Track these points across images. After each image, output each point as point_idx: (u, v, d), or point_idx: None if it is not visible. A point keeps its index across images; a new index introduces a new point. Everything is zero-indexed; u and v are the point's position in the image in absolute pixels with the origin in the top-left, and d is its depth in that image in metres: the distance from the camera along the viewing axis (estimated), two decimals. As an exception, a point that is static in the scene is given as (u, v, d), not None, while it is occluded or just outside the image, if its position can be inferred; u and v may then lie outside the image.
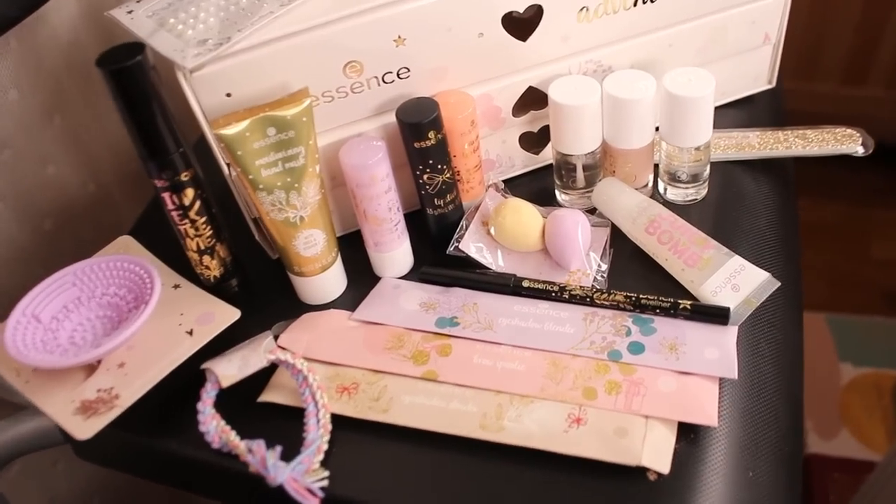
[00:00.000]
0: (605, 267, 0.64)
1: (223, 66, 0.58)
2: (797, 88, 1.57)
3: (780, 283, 0.60)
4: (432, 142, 0.60)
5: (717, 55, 0.72)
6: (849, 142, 0.71)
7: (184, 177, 0.59)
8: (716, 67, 0.72)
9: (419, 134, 0.60)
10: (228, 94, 0.59)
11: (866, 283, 1.52)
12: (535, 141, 0.72)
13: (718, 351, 0.56)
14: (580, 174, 0.67)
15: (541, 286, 0.62)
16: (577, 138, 0.64)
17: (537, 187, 0.72)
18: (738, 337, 0.58)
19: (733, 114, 0.77)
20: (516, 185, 0.72)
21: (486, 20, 0.62)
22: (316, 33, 0.58)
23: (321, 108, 0.62)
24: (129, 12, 0.63)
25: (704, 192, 0.69)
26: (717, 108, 0.68)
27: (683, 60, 0.70)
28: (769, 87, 0.78)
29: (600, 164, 0.67)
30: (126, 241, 0.69)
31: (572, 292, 0.61)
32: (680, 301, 0.59)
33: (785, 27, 0.73)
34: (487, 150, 0.70)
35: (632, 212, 0.64)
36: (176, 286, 0.65)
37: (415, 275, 0.66)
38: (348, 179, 0.61)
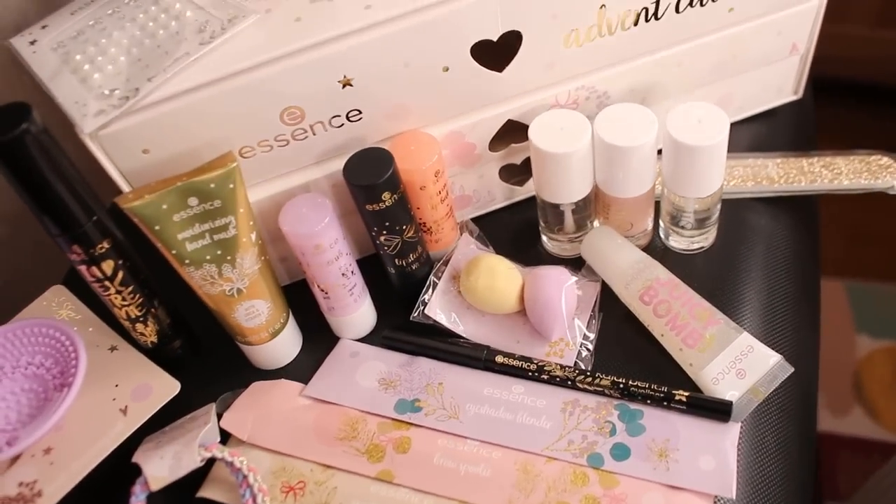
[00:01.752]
0: (592, 336, 0.54)
1: (134, 121, 0.47)
2: (827, 31, 1.40)
3: (793, 370, 0.50)
4: (387, 203, 0.50)
5: (735, 71, 0.58)
6: (884, 174, 0.58)
7: (100, 249, 0.49)
8: (732, 81, 0.59)
9: (371, 197, 0.49)
10: (146, 151, 0.49)
11: (886, 238, 1.39)
12: (517, 172, 0.60)
13: (715, 460, 0.47)
14: (569, 220, 0.56)
15: (516, 363, 0.52)
16: (563, 188, 0.53)
17: (520, 222, 0.61)
18: (740, 429, 0.48)
19: (751, 130, 0.64)
20: (495, 221, 0.61)
21: (452, 52, 0.49)
22: (241, 80, 0.47)
23: (258, 159, 0.51)
24: (32, 43, 0.52)
25: (712, 238, 0.57)
26: (731, 125, 0.57)
27: (694, 80, 0.57)
28: (795, 98, 0.64)
29: (592, 207, 0.56)
30: (58, 293, 0.59)
31: (552, 373, 0.51)
32: (675, 391, 0.49)
33: (816, 35, 0.59)
34: (462, 186, 0.59)
35: (625, 273, 0.53)
36: (113, 348, 0.57)
37: (377, 336, 0.57)
38: (291, 246, 0.51)
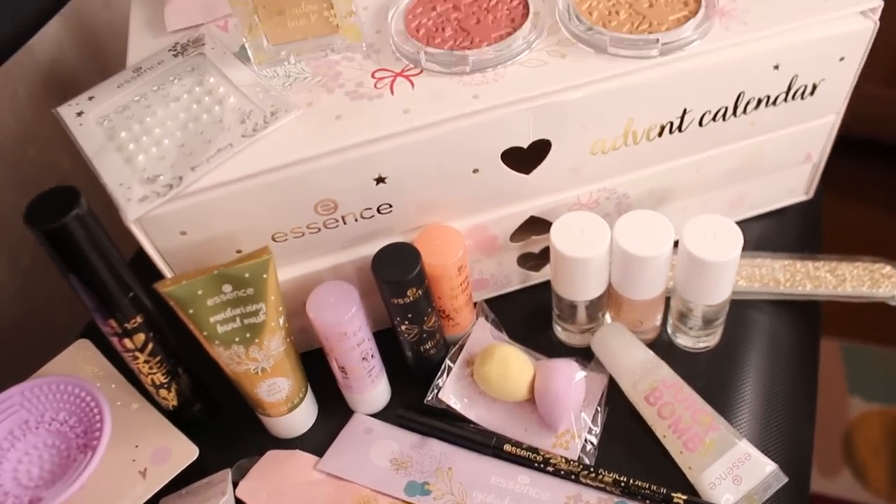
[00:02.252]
0: (596, 430, 0.56)
1: (175, 207, 0.49)
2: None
3: (787, 479, 0.52)
4: (412, 298, 0.52)
5: (750, 176, 0.61)
6: (886, 284, 0.61)
7: (133, 323, 0.52)
8: (746, 184, 0.62)
9: (397, 292, 0.52)
10: (183, 233, 0.51)
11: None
12: (534, 258, 0.63)
13: (709, 568, 0.50)
14: (581, 314, 0.59)
15: (523, 453, 0.55)
16: (580, 287, 0.56)
17: (534, 306, 0.64)
18: (734, 535, 0.51)
19: (761, 226, 0.67)
20: (510, 302, 0.64)
21: (484, 156, 0.52)
22: (280, 174, 0.49)
23: (289, 243, 0.54)
24: (79, 114, 0.54)
25: (717, 338, 0.60)
26: (741, 221, 0.60)
27: (711, 184, 0.61)
28: (805, 198, 0.67)
29: (605, 302, 0.59)
30: (83, 348, 0.62)
31: (557, 466, 0.54)
32: (673, 494, 0.52)
33: (830, 145, 0.62)
34: (481, 270, 0.62)
35: (633, 373, 0.56)
36: (134, 407, 0.59)
37: (390, 412, 0.59)
38: (316, 330, 0.53)
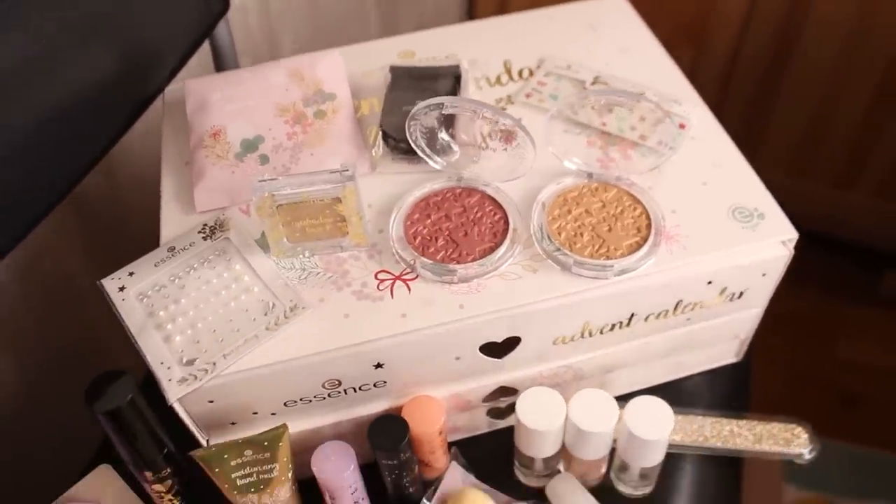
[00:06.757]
0: (547, 565, 0.73)
1: (206, 384, 0.64)
2: (787, 185, 1.63)
3: None
4: (400, 460, 0.68)
5: (686, 350, 0.79)
6: (795, 443, 0.79)
7: (164, 473, 0.67)
8: (682, 355, 0.79)
9: (389, 455, 0.68)
10: (211, 401, 0.66)
11: (826, 383, 1.60)
12: (501, 412, 0.79)
13: None
14: (539, 465, 0.75)
15: (487, 584, 0.71)
16: (539, 448, 0.72)
17: (499, 448, 0.79)
18: None
19: (695, 382, 0.84)
20: (477, 445, 0.80)
21: (464, 349, 0.68)
22: (296, 363, 0.64)
23: (298, 407, 0.69)
24: (121, 289, 0.69)
25: (651, 488, 0.77)
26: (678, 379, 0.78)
27: (652, 358, 0.77)
28: (736, 360, 0.85)
29: (559, 458, 0.75)
30: (104, 474, 0.76)
31: None
32: None
33: (756, 325, 0.79)
34: (454, 421, 0.77)
35: (579, 520, 0.73)
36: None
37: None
38: (319, 483, 0.69)
